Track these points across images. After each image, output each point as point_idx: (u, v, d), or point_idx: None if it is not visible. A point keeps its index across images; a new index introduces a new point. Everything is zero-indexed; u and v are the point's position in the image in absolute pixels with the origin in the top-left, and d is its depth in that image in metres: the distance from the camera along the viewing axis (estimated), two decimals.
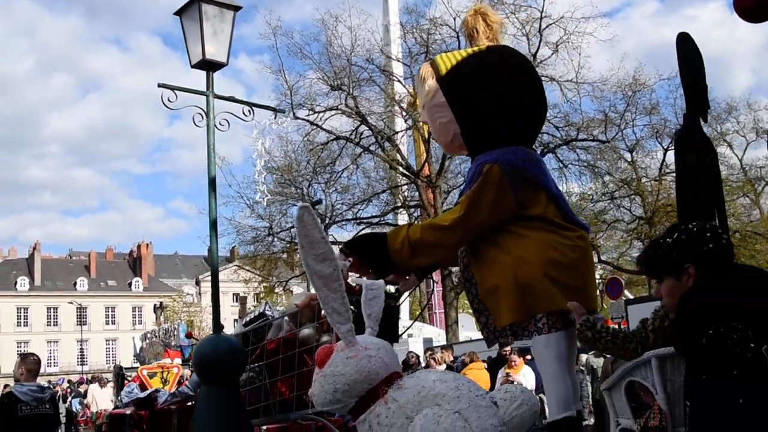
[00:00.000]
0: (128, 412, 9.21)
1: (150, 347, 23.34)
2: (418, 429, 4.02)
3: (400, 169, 40.47)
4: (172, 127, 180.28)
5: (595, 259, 34.19)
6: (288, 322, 7.80)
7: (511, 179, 5.50)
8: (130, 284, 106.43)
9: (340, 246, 6.25)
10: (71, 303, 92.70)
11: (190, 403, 8.41)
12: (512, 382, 14.90)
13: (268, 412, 7.63)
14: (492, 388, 16.49)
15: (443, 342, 34.71)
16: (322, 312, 4.71)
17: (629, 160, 42.06)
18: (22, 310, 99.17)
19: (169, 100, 7.96)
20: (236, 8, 8.39)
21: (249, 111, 8.54)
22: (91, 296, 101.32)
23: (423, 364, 19.92)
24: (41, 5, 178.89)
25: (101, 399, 27.48)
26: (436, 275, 39.72)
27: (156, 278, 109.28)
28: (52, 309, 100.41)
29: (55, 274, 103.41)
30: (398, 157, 40.52)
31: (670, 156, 40.12)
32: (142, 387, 10.75)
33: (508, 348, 16.22)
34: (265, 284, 48.84)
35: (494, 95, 5.83)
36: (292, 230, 41.80)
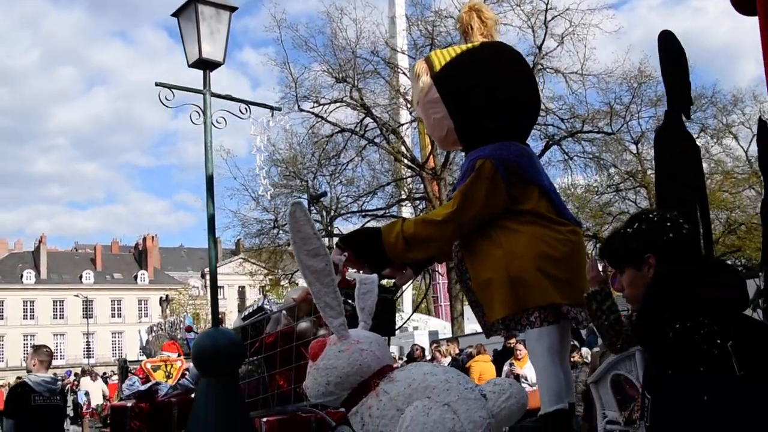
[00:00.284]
0: (129, 404, 9.34)
1: (156, 340, 23.35)
2: (408, 421, 4.10)
3: (405, 161, 40.38)
4: (177, 120, 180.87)
5: None
6: (286, 316, 7.90)
7: (504, 174, 5.56)
8: (135, 277, 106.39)
9: (336, 240, 6.31)
10: (77, 296, 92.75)
11: (190, 396, 8.49)
12: (517, 375, 15.01)
13: (266, 404, 7.72)
14: None
15: (449, 334, 34.75)
16: None
17: (634, 152, 41.90)
18: (29, 303, 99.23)
19: (166, 98, 8.06)
20: (232, 9, 8.48)
21: (246, 109, 8.62)
22: (97, 289, 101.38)
23: (428, 357, 20.00)
24: None
25: (94, 392, 27.63)
26: (442, 268, 39.74)
27: (162, 271, 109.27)
28: (58, 302, 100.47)
29: (61, 267, 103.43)
30: (403, 149, 40.45)
31: None
32: (146, 380, 10.81)
33: (513, 340, 16.22)
34: (270, 277, 48.85)
35: (488, 91, 5.89)
36: None
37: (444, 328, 40.17)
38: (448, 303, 43.51)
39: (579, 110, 38.94)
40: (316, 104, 40.43)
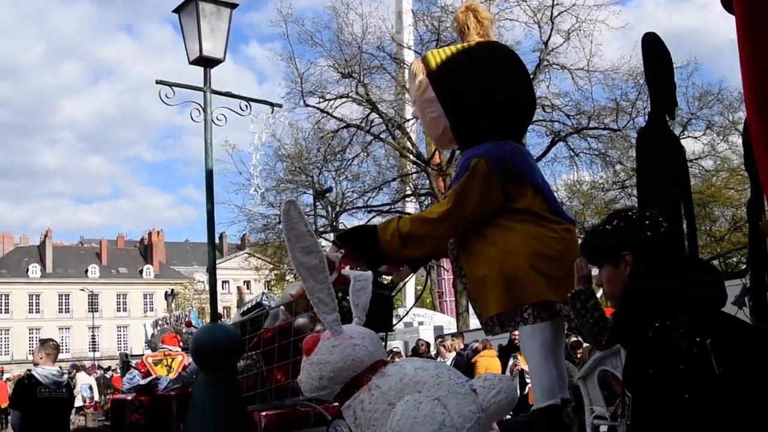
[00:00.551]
0: (129, 397, 9.42)
1: (161, 334, 23.45)
2: (399, 415, 4.19)
3: (411, 156, 40.35)
4: (182, 114, 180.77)
5: None
6: (284, 311, 7.99)
7: (498, 173, 5.63)
8: (141, 271, 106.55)
9: (333, 238, 6.40)
10: (83, 290, 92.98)
11: (189, 389, 8.58)
12: (522, 370, 15.06)
13: (264, 398, 7.81)
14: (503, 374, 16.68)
15: (454, 330, 34.71)
16: None
17: None
18: (34, 297, 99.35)
19: (167, 96, 8.13)
20: (233, 5, 8.52)
21: (246, 105, 8.68)
22: (103, 283, 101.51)
23: (433, 352, 20.06)
24: None
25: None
26: (447, 263, 39.54)
27: (167, 265, 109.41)
28: (63, 296, 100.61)
29: (67, 262, 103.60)
30: (409, 144, 40.38)
31: (683, 144, 40.00)
32: (146, 374, 10.91)
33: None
34: (276, 272, 48.95)
35: (483, 90, 5.95)
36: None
37: (449, 324, 40.13)
38: (453, 298, 43.48)
39: (585, 107, 38.84)
40: (321, 99, 40.45)
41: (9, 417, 9.76)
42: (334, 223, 41.13)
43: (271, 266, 49.38)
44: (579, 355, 14.09)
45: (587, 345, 13.09)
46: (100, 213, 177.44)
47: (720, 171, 41.37)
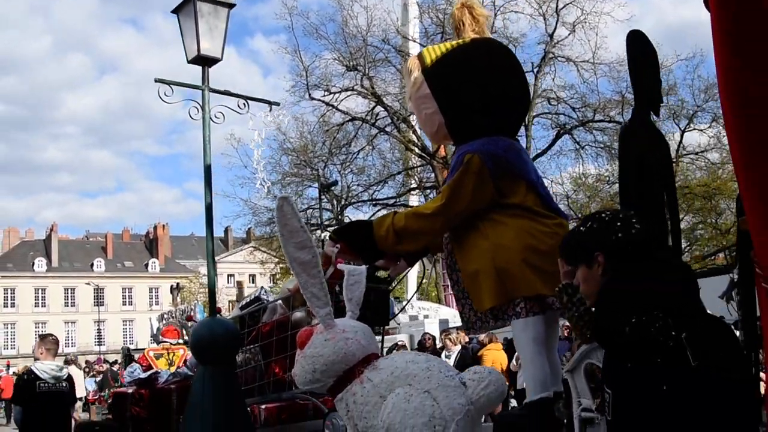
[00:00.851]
0: (130, 391, 9.51)
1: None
2: (389, 407, 4.27)
3: (416, 150, 40.36)
4: (187, 109, 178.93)
5: None
6: (282, 305, 8.06)
7: (491, 169, 5.69)
8: (146, 265, 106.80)
9: (329, 233, 6.47)
10: (88, 284, 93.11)
11: (189, 383, 8.65)
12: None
13: (263, 391, 7.89)
14: (508, 367, 16.76)
15: (459, 323, 34.60)
16: None
17: None
18: (40, 291, 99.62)
19: (165, 94, 8.21)
20: (230, 5, 8.60)
21: (244, 104, 8.75)
22: (108, 277, 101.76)
23: (439, 345, 20.12)
24: None
25: (79, 381, 27.94)
26: None
27: (172, 259, 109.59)
28: (69, 290, 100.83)
29: (72, 255, 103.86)
30: (414, 137, 40.32)
31: (688, 137, 39.86)
32: (148, 368, 11.02)
33: None
34: (281, 265, 49.03)
35: (478, 87, 6.01)
36: (308, 211, 41.99)
37: (454, 317, 39.89)
38: None
39: (590, 99, 38.86)
40: (326, 93, 40.59)
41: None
42: (340, 217, 41.21)
43: (277, 260, 49.47)
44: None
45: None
46: (106, 207, 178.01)
47: (726, 163, 41.20)
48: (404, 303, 9.38)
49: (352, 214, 43.09)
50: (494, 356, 17.27)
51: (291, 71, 49.49)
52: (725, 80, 3.04)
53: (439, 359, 4.90)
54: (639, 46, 5.40)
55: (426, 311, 34.81)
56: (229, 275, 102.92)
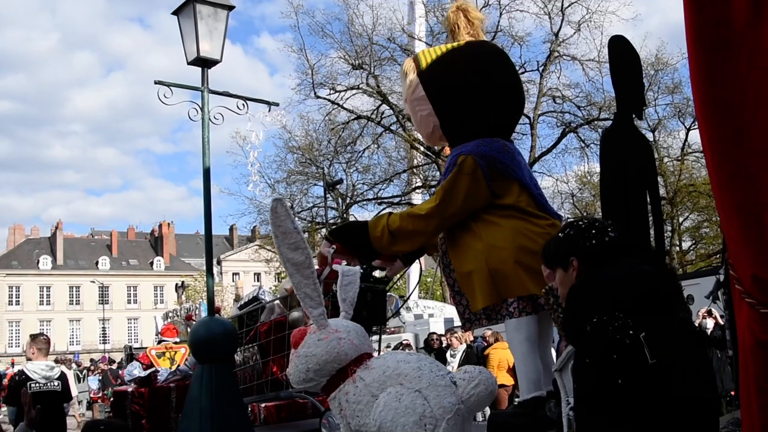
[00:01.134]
0: (130, 389, 9.61)
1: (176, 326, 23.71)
2: (381, 406, 4.34)
3: (421, 148, 40.29)
4: (192, 106, 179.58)
5: None
6: (279, 305, 8.14)
7: (485, 170, 5.77)
8: (151, 263, 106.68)
9: (325, 234, 6.54)
10: (93, 282, 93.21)
11: (188, 381, 8.74)
12: None
13: (261, 389, 7.97)
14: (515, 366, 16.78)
15: None
16: None
17: (651, 139, 41.81)
18: (45, 289, 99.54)
19: (165, 96, 8.28)
20: (230, 8, 8.69)
21: (243, 104, 8.83)
22: (113, 275, 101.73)
23: (444, 344, 20.19)
24: None
25: (70, 381, 28.01)
26: None
27: (177, 257, 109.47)
28: (74, 288, 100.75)
29: (78, 253, 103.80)
30: (419, 136, 40.37)
31: (693, 135, 39.86)
32: (150, 366, 11.10)
33: None
34: None
35: (472, 89, 6.09)
36: (313, 209, 42.16)
37: None
38: None
39: (596, 98, 38.84)
40: (332, 91, 40.71)
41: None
42: (345, 215, 41.30)
43: None
44: None
45: None
46: (111, 205, 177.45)
47: None
48: (402, 302, 9.42)
49: (358, 213, 43.31)
50: (500, 355, 17.33)
51: (297, 69, 49.87)
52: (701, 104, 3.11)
53: (430, 359, 4.97)
54: (620, 51, 5.46)
55: (431, 310, 34.79)
56: (234, 274, 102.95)
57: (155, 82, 8.26)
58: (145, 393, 9.17)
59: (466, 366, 4.73)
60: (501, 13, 37.50)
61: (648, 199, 5.11)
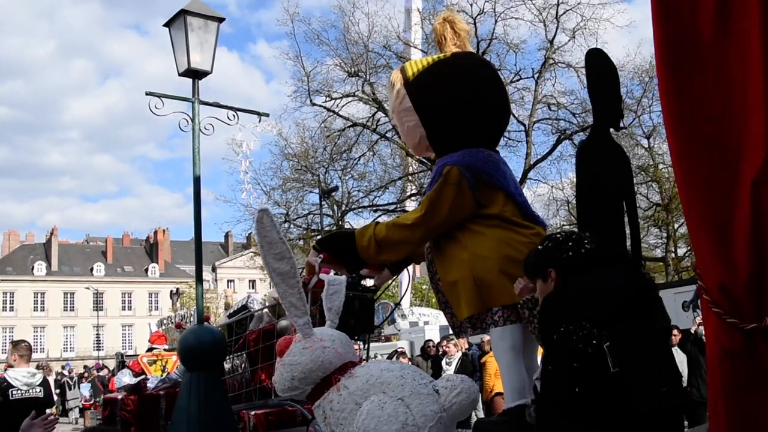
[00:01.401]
0: (120, 396, 9.63)
1: (166, 333, 23.75)
2: (364, 414, 4.41)
3: (417, 156, 40.33)
4: (187, 112, 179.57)
5: None
6: (268, 314, 8.19)
7: (470, 180, 5.83)
8: (146, 270, 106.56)
9: (313, 243, 6.59)
10: (88, 288, 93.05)
11: (177, 389, 8.77)
12: None
13: (249, 397, 8.00)
14: None
15: None
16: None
17: (646, 146, 41.84)
18: (39, 295, 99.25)
19: (156, 107, 8.33)
20: (220, 20, 8.74)
21: (234, 115, 8.88)
22: (108, 282, 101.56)
23: (440, 351, 20.20)
24: None
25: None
26: None
27: (172, 264, 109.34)
28: (68, 294, 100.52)
29: (72, 260, 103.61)
30: None
31: None
32: (140, 373, 11.12)
33: None
34: None
35: (458, 100, 6.15)
36: (308, 217, 42.14)
37: None
38: None
39: (591, 105, 38.79)
40: (328, 98, 40.68)
41: None
42: (340, 222, 41.31)
43: None
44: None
45: None
46: (107, 211, 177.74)
47: None
48: (391, 309, 9.45)
49: (353, 220, 43.27)
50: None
51: (293, 77, 49.59)
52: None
53: (413, 367, 5.04)
54: (597, 63, 5.52)
55: (426, 317, 34.80)
56: (229, 281, 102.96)
57: (146, 93, 8.31)
58: (134, 400, 9.20)
59: (449, 374, 4.81)
60: (496, 21, 37.55)
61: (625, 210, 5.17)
